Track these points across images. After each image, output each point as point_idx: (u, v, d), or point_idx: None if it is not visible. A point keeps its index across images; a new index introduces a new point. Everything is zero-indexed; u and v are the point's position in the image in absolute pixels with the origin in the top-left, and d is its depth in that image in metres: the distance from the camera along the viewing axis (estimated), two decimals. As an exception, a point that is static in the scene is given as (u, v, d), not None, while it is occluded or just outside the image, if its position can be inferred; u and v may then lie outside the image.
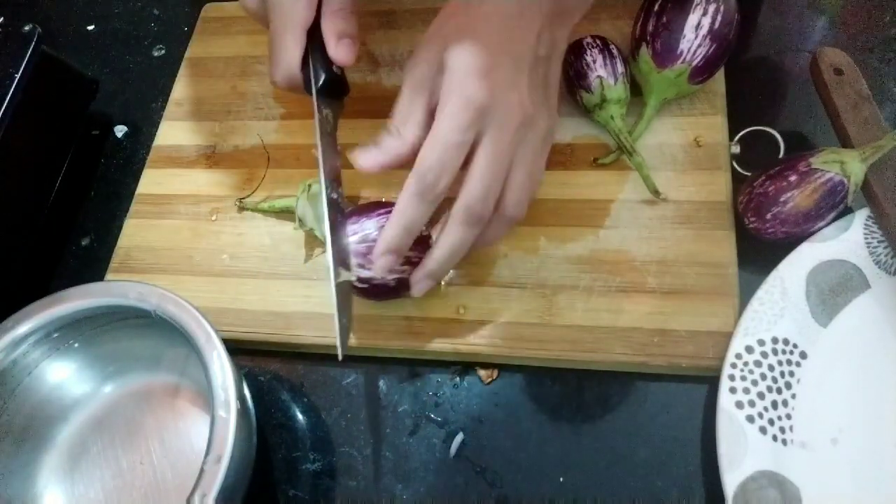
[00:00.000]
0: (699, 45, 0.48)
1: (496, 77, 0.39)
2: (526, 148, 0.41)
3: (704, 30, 0.48)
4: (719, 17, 0.48)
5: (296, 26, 0.46)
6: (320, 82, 0.46)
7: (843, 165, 0.45)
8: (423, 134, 0.40)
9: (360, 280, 0.45)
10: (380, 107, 0.56)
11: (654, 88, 0.50)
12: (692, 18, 0.48)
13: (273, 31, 0.47)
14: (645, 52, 0.49)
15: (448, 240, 0.42)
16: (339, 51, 0.46)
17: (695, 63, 0.49)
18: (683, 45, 0.48)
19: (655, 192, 0.49)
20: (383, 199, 0.52)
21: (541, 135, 0.42)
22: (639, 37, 0.50)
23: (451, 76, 0.39)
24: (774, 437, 0.42)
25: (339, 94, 0.49)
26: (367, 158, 0.42)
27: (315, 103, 0.47)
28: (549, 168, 0.52)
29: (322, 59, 0.47)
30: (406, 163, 0.41)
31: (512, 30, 0.41)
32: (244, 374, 0.51)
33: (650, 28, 0.49)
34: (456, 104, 0.39)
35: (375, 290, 0.46)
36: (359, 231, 0.46)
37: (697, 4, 0.48)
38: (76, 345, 0.48)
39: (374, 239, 0.44)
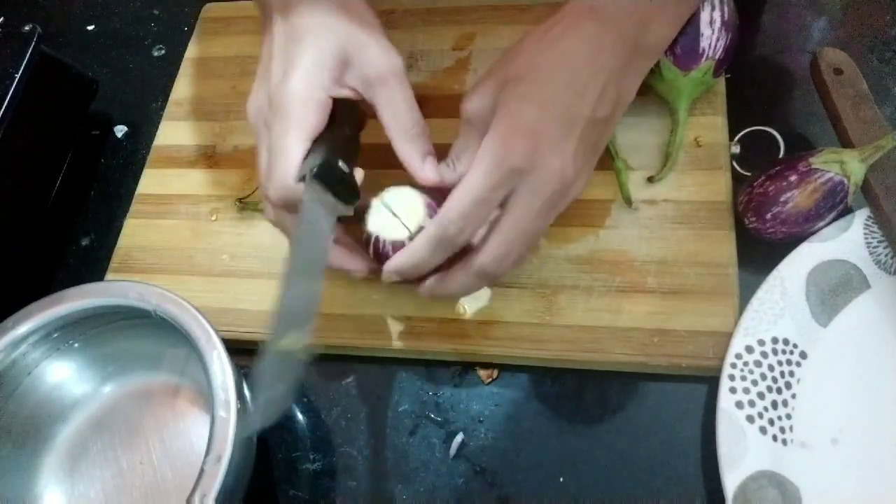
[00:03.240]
0: (718, 39, 0.49)
1: (542, 138, 0.38)
2: (550, 216, 0.41)
3: (718, 23, 0.48)
4: (726, 7, 0.49)
5: (301, 130, 0.40)
6: (315, 170, 0.39)
7: (843, 165, 0.45)
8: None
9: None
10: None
11: (682, 92, 0.50)
12: (704, 16, 0.48)
13: (273, 138, 0.41)
14: (666, 60, 0.49)
15: (452, 285, 0.42)
16: (428, 170, 0.42)
17: (717, 56, 0.49)
18: (704, 43, 0.48)
19: (628, 201, 0.49)
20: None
21: (572, 198, 0.41)
22: None
23: (496, 126, 0.38)
24: (774, 437, 0.42)
25: (348, 198, 0.42)
26: (429, 173, 0.42)
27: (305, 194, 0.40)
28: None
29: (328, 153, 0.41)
30: None
31: (576, 84, 0.39)
32: (244, 374, 0.51)
33: None
34: (492, 160, 0.38)
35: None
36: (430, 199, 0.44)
37: (705, 1, 0.48)
38: (76, 345, 0.48)
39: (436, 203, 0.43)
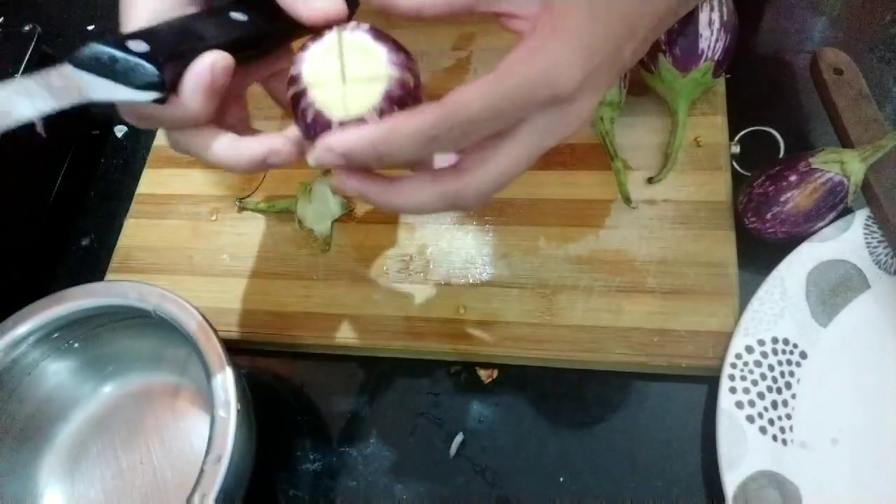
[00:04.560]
0: (717, 40, 0.49)
1: (596, 70, 0.31)
2: (545, 150, 0.33)
3: (717, 24, 0.48)
4: (725, 8, 0.48)
5: (128, 14, 0.33)
6: None
7: (843, 165, 0.45)
8: (455, 10, 0.33)
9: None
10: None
11: (681, 93, 0.50)
12: (703, 17, 0.48)
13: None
14: (665, 62, 0.49)
15: (405, 200, 0.33)
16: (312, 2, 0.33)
17: (716, 57, 0.49)
18: (703, 44, 0.48)
19: (627, 200, 0.49)
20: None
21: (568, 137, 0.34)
22: (651, 49, 0.50)
23: (552, 29, 0.30)
24: (774, 437, 0.42)
25: (133, 83, 0.32)
26: (313, 6, 0.33)
27: None
28: (550, 168, 0.52)
29: None
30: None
31: (632, 19, 0.33)
32: (244, 374, 0.51)
33: (663, 38, 0.49)
34: (537, 73, 0.30)
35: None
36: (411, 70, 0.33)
37: (704, 2, 0.48)
38: (76, 345, 0.48)
39: (409, 92, 0.33)
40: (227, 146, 0.33)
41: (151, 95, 0.31)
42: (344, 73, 0.32)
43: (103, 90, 0.31)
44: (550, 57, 0.30)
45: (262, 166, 0.34)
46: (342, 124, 0.32)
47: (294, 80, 0.33)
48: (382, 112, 0.32)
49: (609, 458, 0.45)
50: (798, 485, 0.41)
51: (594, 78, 0.32)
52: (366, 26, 0.33)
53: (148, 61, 0.30)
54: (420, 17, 0.33)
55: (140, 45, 0.31)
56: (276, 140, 0.33)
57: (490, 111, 0.30)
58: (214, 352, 0.41)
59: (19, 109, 0.30)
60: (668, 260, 0.48)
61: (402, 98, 0.32)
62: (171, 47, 0.31)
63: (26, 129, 0.32)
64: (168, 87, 0.31)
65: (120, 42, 0.31)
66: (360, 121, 0.31)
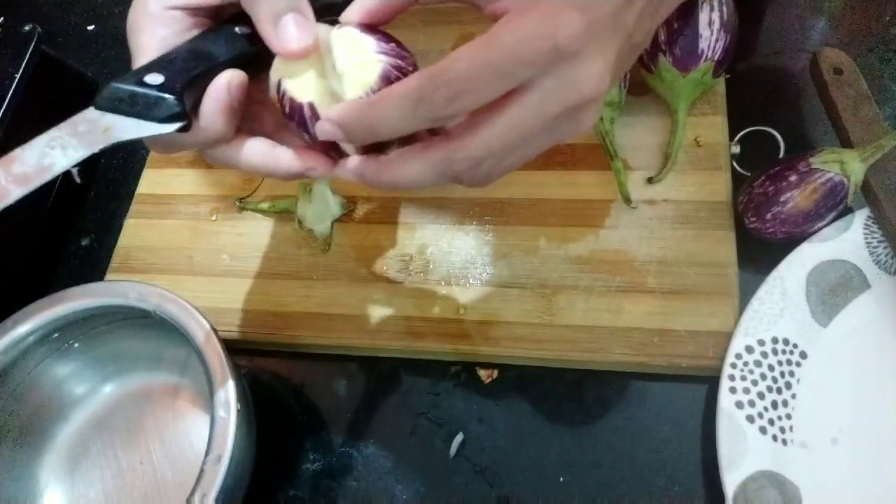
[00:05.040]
0: (717, 40, 0.49)
1: (596, 27, 0.29)
2: (559, 134, 0.31)
3: (717, 24, 0.48)
4: (725, 8, 0.49)
5: (138, 53, 0.34)
6: None
7: (843, 165, 0.45)
8: None
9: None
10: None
11: (681, 93, 0.50)
12: (703, 17, 0.48)
13: None
14: (665, 62, 0.49)
15: (400, 174, 0.32)
16: (284, 35, 0.32)
17: (716, 58, 0.49)
18: (703, 44, 0.48)
19: (627, 200, 0.49)
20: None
21: (585, 126, 0.32)
22: (651, 49, 0.50)
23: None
24: (774, 437, 0.42)
25: (157, 118, 0.33)
26: (286, 41, 0.32)
27: None
28: (550, 168, 0.52)
29: None
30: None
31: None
32: (244, 374, 0.51)
33: (663, 38, 0.49)
34: (530, 26, 0.28)
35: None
36: (402, 58, 0.33)
37: (703, 2, 0.48)
38: (76, 345, 0.48)
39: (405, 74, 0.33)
40: (266, 153, 0.34)
41: (175, 126, 0.32)
42: (336, 66, 0.32)
43: (129, 129, 0.32)
44: (544, 7, 0.28)
45: (299, 177, 0.34)
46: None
47: (280, 85, 0.33)
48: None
49: (609, 458, 0.45)
50: (798, 485, 0.41)
51: (598, 31, 0.29)
52: (353, 23, 0.33)
53: (166, 93, 0.31)
54: (417, 2, 0.32)
55: (156, 78, 0.32)
56: (312, 158, 0.34)
57: (480, 68, 0.28)
58: (214, 352, 0.41)
59: (55, 163, 0.31)
60: (668, 260, 0.48)
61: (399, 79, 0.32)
62: (186, 74, 0.32)
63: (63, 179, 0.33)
64: (189, 113, 0.32)
65: (137, 79, 0.32)
66: None
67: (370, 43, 0.32)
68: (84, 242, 0.60)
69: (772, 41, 0.58)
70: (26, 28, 0.56)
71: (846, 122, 0.48)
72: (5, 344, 0.44)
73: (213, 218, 0.56)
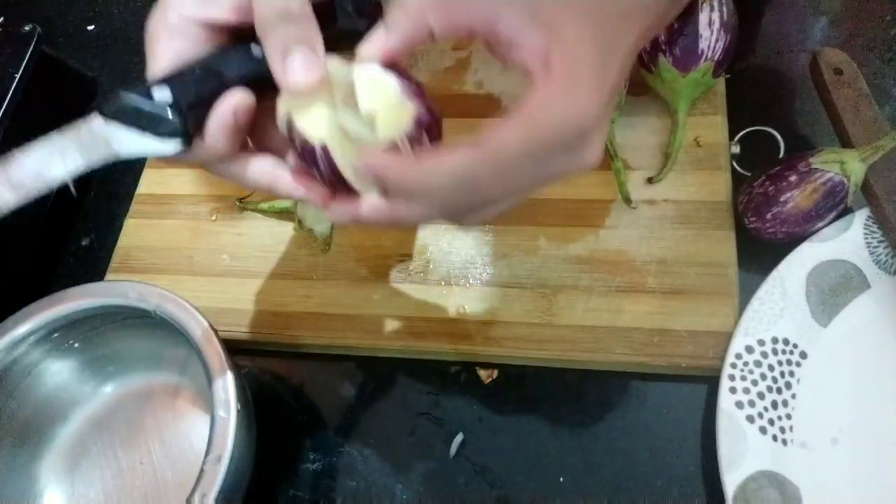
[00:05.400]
0: (717, 40, 0.49)
1: (607, 100, 0.31)
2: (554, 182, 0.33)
3: (717, 24, 0.48)
4: (725, 8, 0.49)
5: (152, 63, 0.33)
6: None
7: (843, 165, 0.45)
8: (450, 32, 0.32)
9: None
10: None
11: (682, 93, 0.50)
12: (703, 17, 0.48)
13: None
14: (665, 62, 0.49)
15: (416, 215, 0.33)
16: (293, 70, 0.32)
17: (716, 58, 0.49)
18: (703, 44, 0.48)
19: (627, 200, 0.49)
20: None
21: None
22: (651, 49, 0.50)
23: (570, 69, 0.30)
24: (774, 437, 0.42)
25: (162, 133, 0.33)
26: (294, 74, 0.32)
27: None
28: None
29: None
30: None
31: (624, 32, 0.32)
32: (244, 374, 0.51)
33: (663, 38, 0.49)
34: (567, 114, 0.30)
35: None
36: (423, 96, 0.33)
37: (703, 2, 0.48)
38: (76, 345, 0.48)
39: (435, 118, 0.33)
40: (268, 172, 0.35)
41: (176, 145, 0.32)
42: (360, 106, 0.32)
43: (130, 143, 0.32)
44: (576, 96, 0.30)
45: (299, 199, 0.35)
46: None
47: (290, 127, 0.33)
48: (413, 139, 0.32)
49: (609, 458, 0.45)
50: (798, 485, 0.41)
51: (607, 106, 0.31)
52: (374, 64, 0.33)
53: (171, 110, 0.31)
54: (434, 39, 0.33)
55: (164, 93, 0.31)
56: (310, 185, 0.34)
57: (527, 154, 0.30)
58: (214, 352, 0.41)
59: (53, 172, 0.32)
60: (668, 260, 0.48)
61: (428, 124, 0.32)
62: (194, 92, 0.32)
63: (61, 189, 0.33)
64: (192, 133, 0.32)
65: (145, 90, 0.31)
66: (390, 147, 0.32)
67: (395, 84, 0.32)
68: (84, 242, 0.60)
69: (772, 41, 0.58)
70: (26, 28, 0.56)
71: (846, 122, 0.48)
72: (5, 344, 0.44)
73: (213, 218, 0.56)
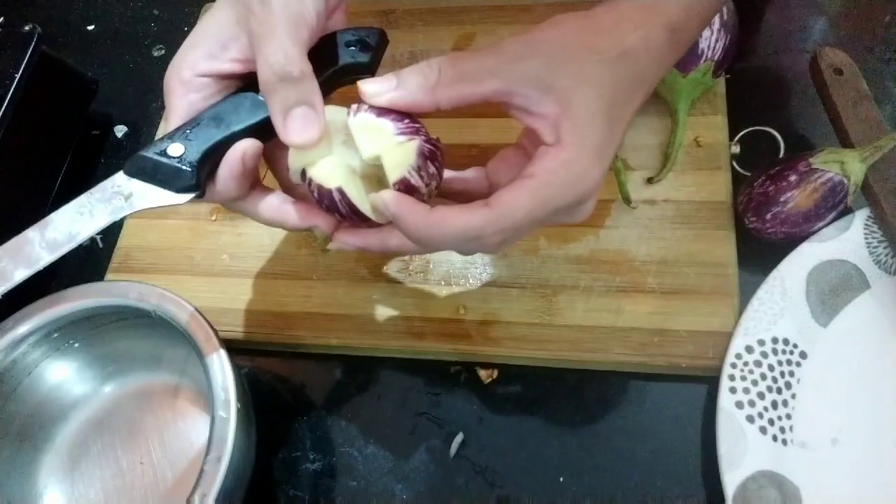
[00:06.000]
0: (717, 40, 0.49)
1: (607, 167, 0.34)
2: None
3: (717, 24, 0.48)
4: (725, 8, 0.49)
5: (172, 117, 0.36)
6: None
7: (843, 165, 0.45)
8: (463, 106, 0.34)
9: (401, 184, 0.34)
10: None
11: (682, 94, 0.50)
12: None
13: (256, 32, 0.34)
14: None
15: (426, 248, 0.36)
16: (293, 129, 0.34)
17: (716, 57, 0.49)
18: (703, 44, 0.48)
19: (627, 200, 0.49)
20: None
21: None
22: None
23: (579, 141, 0.33)
24: (774, 437, 0.42)
25: (178, 187, 0.37)
26: (380, 92, 0.35)
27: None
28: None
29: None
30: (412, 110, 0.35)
31: (632, 101, 0.35)
32: (244, 374, 0.51)
33: None
34: (571, 184, 0.33)
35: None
36: (419, 132, 0.35)
37: None
38: (76, 345, 0.48)
39: (435, 144, 0.35)
40: (276, 209, 0.38)
41: (190, 196, 0.36)
42: (362, 153, 0.34)
43: (150, 196, 0.36)
44: (581, 168, 0.33)
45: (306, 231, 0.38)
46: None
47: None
48: (422, 170, 0.34)
49: (609, 458, 0.45)
50: (798, 485, 0.41)
51: (605, 173, 0.35)
52: (365, 107, 0.35)
53: (185, 166, 0.35)
54: (439, 109, 0.35)
55: (178, 149, 0.35)
56: (320, 219, 0.38)
57: (531, 218, 0.33)
58: (214, 352, 0.41)
59: (82, 230, 0.36)
60: (668, 260, 0.48)
61: (433, 154, 0.35)
62: (205, 145, 0.36)
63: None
64: (204, 183, 0.36)
65: (161, 149, 0.36)
66: (403, 186, 0.34)
67: (390, 125, 0.34)
68: (84, 242, 0.60)
69: (772, 41, 0.58)
70: (26, 28, 0.56)
71: (846, 122, 0.48)
72: (5, 344, 0.44)
73: (213, 218, 0.56)
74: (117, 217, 0.36)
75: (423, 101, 0.34)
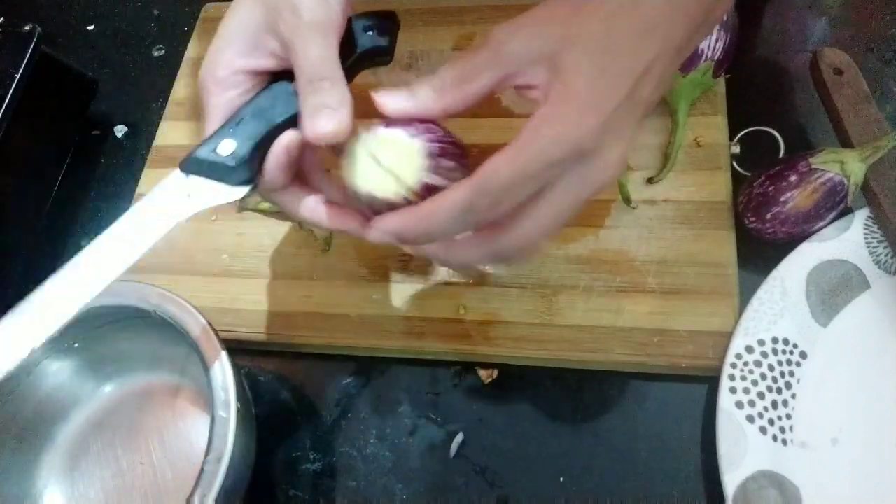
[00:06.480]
0: (717, 40, 0.49)
1: (612, 118, 0.33)
2: (583, 204, 0.35)
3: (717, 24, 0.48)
4: None
5: (211, 117, 0.38)
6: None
7: (843, 165, 0.45)
8: (471, 104, 0.35)
9: (420, 191, 0.36)
10: (380, 107, 0.56)
11: (682, 94, 0.50)
12: None
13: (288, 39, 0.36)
14: None
15: (459, 258, 0.37)
16: (316, 124, 0.36)
17: (716, 57, 0.49)
18: (703, 44, 0.48)
19: (627, 200, 0.49)
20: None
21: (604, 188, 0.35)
22: None
23: (561, 94, 0.32)
24: (774, 437, 0.42)
25: (233, 181, 0.39)
26: (393, 103, 0.36)
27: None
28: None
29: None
30: (433, 117, 0.36)
31: (646, 57, 0.33)
32: (244, 374, 0.51)
33: None
34: (554, 134, 0.32)
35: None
36: (430, 132, 0.37)
37: None
38: (76, 345, 0.48)
39: (449, 141, 0.37)
40: (312, 209, 0.39)
41: (245, 189, 0.38)
42: (382, 163, 0.36)
43: (208, 193, 0.37)
44: (564, 118, 0.32)
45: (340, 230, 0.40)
46: (406, 200, 0.36)
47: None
48: (437, 169, 0.36)
49: (609, 458, 0.45)
50: (798, 485, 0.41)
51: (613, 124, 0.33)
52: (377, 122, 0.37)
53: (238, 163, 0.37)
54: (451, 113, 0.36)
55: (229, 147, 0.37)
56: (351, 220, 0.39)
57: (518, 175, 0.32)
58: (214, 352, 0.41)
59: (158, 227, 0.38)
60: (668, 260, 0.48)
61: (446, 150, 0.36)
62: (253, 141, 0.37)
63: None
64: (256, 175, 0.37)
65: (212, 148, 0.37)
66: (425, 187, 0.35)
67: (400, 133, 0.36)
68: (84, 242, 0.60)
69: (772, 41, 0.58)
70: (26, 28, 0.56)
71: (846, 122, 0.48)
72: (5, 344, 0.44)
73: (213, 218, 0.56)
74: (183, 217, 0.37)
75: (432, 107, 0.35)
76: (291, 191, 0.39)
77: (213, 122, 0.38)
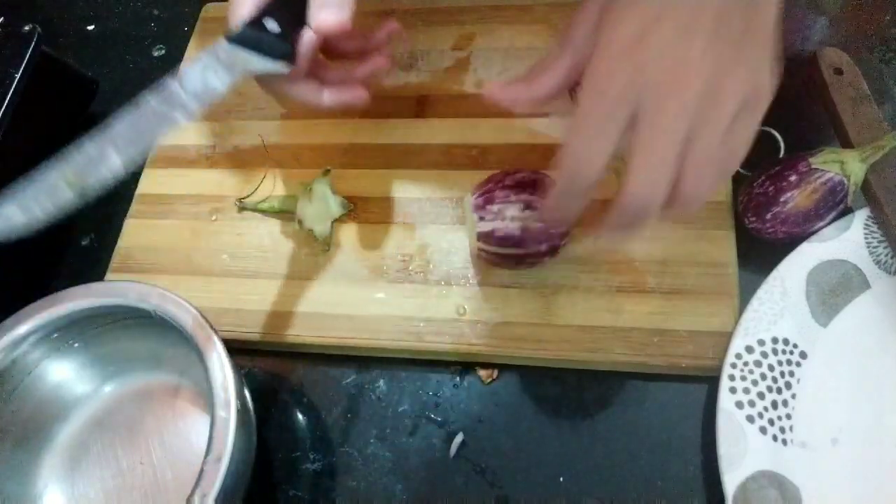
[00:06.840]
0: None
1: (653, 42, 0.32)
2: (707, 123, 0.33)
3: None
4: None
5: None
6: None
7: (843, 165, 0.45)
8: (556, 90, 0.38)
9: (481, 237, 0.45)
10: (380, 107, 0.56)
11: None
12: None
13: None
14: None
15: (612, 229, 0.37)
16: (326, 14, 0.42)
17: None
18: None
19: None
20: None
21: (735, 102, 0.34)
22: None
23: (597, 49, 0.34)
24: (774, 437, 0.42)
25: (276, 55, 0.42)
26: (328, 15, 0.41)
27: None
28: (550, 168, 0.52)
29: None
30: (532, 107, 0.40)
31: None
32: (244, 374, 0.51)
33: None
34: (593, 85, 0.34)
35: (501, 242, 0.45)
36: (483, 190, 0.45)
37: None
38: (76, 345, 0.48)
39: (492, 190, 0.45)
40: (326, 97, 0.45)
41: (286, 64, 0.41)
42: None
43: (255, 62, 0.41)
44: (600, 55, 0.34)
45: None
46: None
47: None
48: (482, 217, 0.45)
49: (609, 458, 0.45)
50: (798, 485, 0.41)
51: (660, 42, 0.33)
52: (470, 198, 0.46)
53: (283, 39, 0.41)
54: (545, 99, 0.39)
55: (273, 24, 0.40)
56: (345, 93, 0.46)
57: (582, 129, 0.34)
58: (214, 352, 0.41)
59: (213, 83, 0.40)
60: (668, 260, 0.48)
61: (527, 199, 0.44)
62: (293, 21, 0.41)
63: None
64: (292, 52, 0.41)
65: (258, 23, 0.40)
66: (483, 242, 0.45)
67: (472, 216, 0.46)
68: (84, 242, 0.60)
69: (772, 41, 0.58)
70: (26, 28, 0.56)
71: (846, 122, 0.48)
72: (5, 344, 0.44)
73: (213, 218, 0.56)
74: (236, 76, 0.40)
75: (533, 95, 0.39)
76: (311, 82, 0.44)
77: (248, 4, 0.41)
